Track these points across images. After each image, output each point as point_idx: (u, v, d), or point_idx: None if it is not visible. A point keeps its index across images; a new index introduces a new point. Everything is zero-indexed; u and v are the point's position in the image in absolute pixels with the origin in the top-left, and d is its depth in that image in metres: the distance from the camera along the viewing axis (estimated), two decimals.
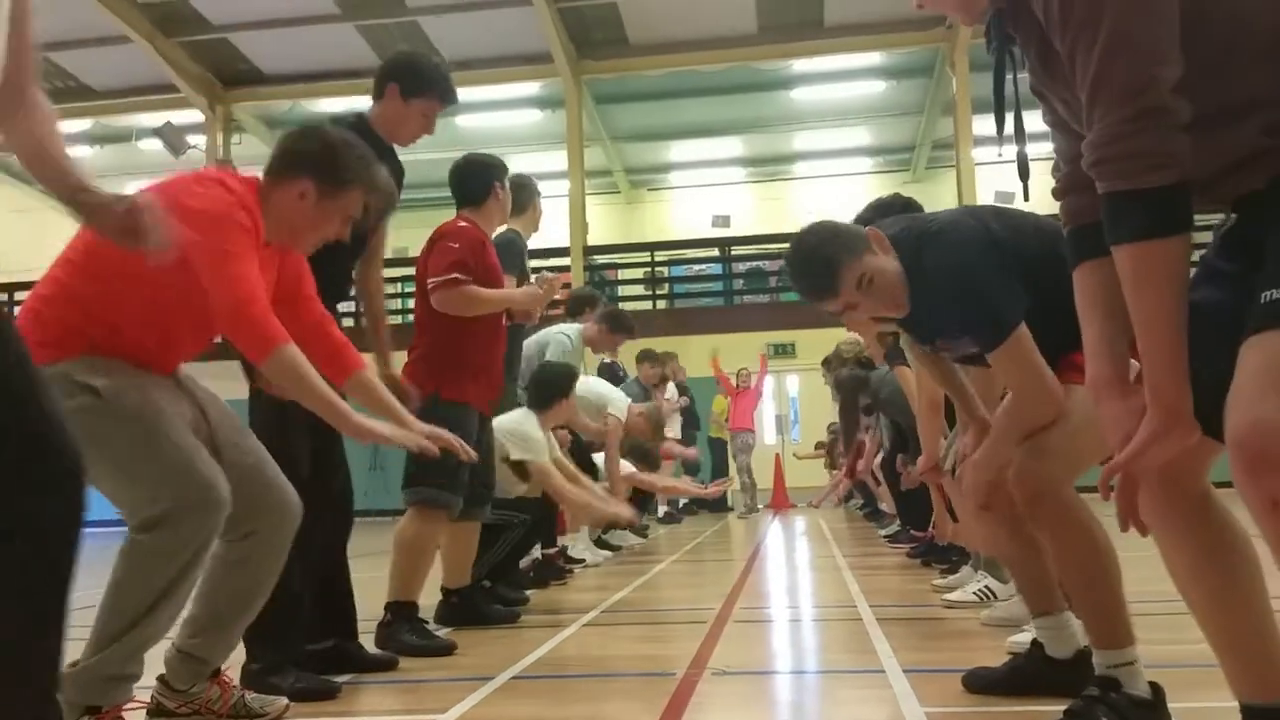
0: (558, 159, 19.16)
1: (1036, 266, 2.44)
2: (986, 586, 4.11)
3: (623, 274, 19.03)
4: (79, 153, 20.84)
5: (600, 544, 7.21)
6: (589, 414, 6.70)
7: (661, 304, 17.92)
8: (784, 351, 16.37)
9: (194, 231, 2.27)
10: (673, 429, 11.85)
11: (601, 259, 18.47)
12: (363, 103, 13.95)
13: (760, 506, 12.66)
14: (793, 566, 6.60)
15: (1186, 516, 1.62)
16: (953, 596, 4.24)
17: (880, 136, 21.49)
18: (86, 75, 18.14)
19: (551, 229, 19.79)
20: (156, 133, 17.64)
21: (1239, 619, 1.61)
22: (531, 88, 18.69)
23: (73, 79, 18.23)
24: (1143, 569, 2.39)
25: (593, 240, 17.80)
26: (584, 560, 6.61)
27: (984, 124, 18.71)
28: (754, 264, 18.92)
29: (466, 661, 3.48)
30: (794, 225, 14.66)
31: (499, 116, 19.78)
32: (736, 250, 18.25)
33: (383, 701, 2.98)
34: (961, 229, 2.53)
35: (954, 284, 2.44)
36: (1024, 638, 2.88)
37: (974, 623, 3.74)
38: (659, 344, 14.29)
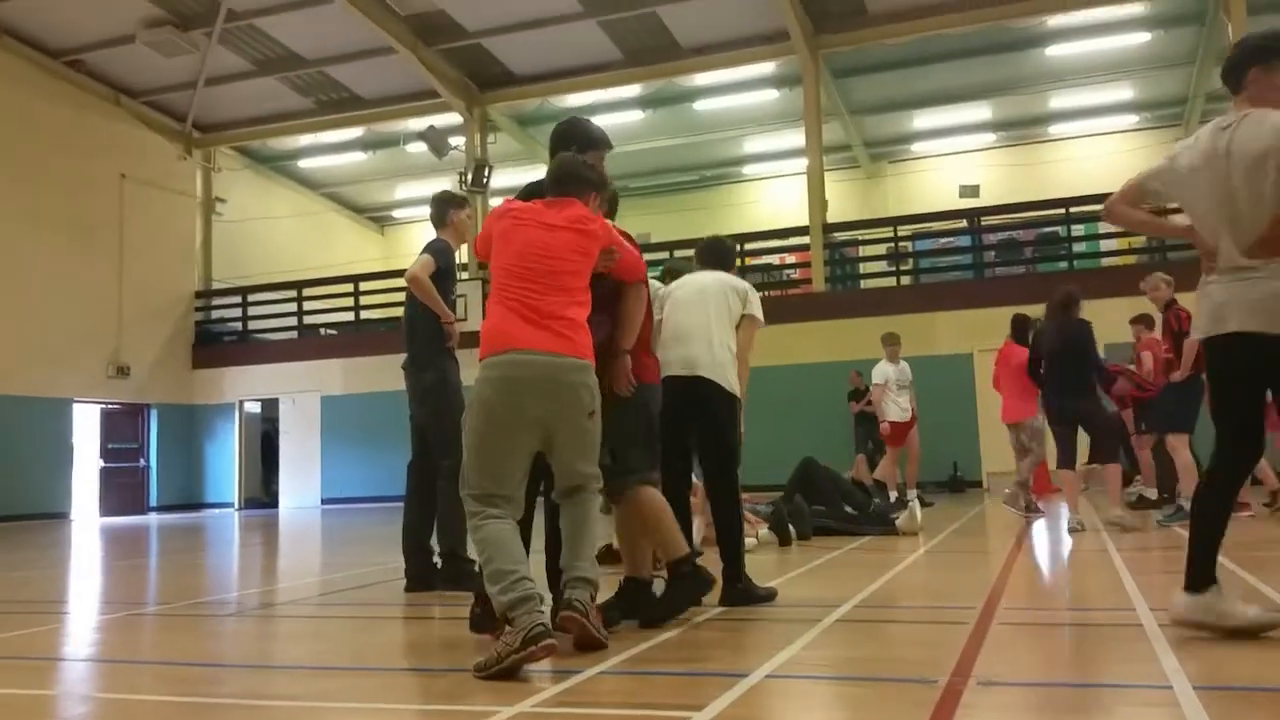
0: (795, 137, 18.95)
1: None
2: None
3: (864, 250, 18.57)
4: (353, 159, 22.64)
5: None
6: None
7: (906, 280, 17.34)
8: None
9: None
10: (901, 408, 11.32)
11: (842, 236, 18.08)
12: (604, 96, 14.65)
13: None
14: (1058, 561, 6.22)
15: None
16: None
17: (1146, 91, 19.85)
18: (357, 86, 19.65)
19: (790, 208, 19.73)
20: (421, 136, 18.83)
21: None
22: (768, 67, 18.54)
23: (346, 90, 19.80)
24: None
25: (832, 217, 17.45)
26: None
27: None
28: (1007, 234, 17.94)
29: (718, 655, 3.50)
30: (1050, 191, 14.09)
31: (736, 99, 19.81)
32: (987, 220, 17.34)
33: (621, 693, 3.02)
34: None
35: None
36: None
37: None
38: (904, 322, 13.92)
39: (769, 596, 4.54)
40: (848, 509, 8.40)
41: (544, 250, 3.62)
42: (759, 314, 4.94)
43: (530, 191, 4.09)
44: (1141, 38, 17.70)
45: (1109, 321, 12.77)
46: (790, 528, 7.37)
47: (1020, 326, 9.85)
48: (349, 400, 18.91)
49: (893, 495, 11.39)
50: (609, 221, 3.98)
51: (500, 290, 3.61)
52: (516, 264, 3.61)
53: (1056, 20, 17.06)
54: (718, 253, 5.24)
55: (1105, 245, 17.07)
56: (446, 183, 22.01)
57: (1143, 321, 9.78)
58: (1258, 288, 3.38)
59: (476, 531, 3.42)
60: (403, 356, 5.57)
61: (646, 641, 3.61)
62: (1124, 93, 20.01)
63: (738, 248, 17.48)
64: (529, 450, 3.54)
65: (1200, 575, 3.42)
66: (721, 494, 4.73)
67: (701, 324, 4.73)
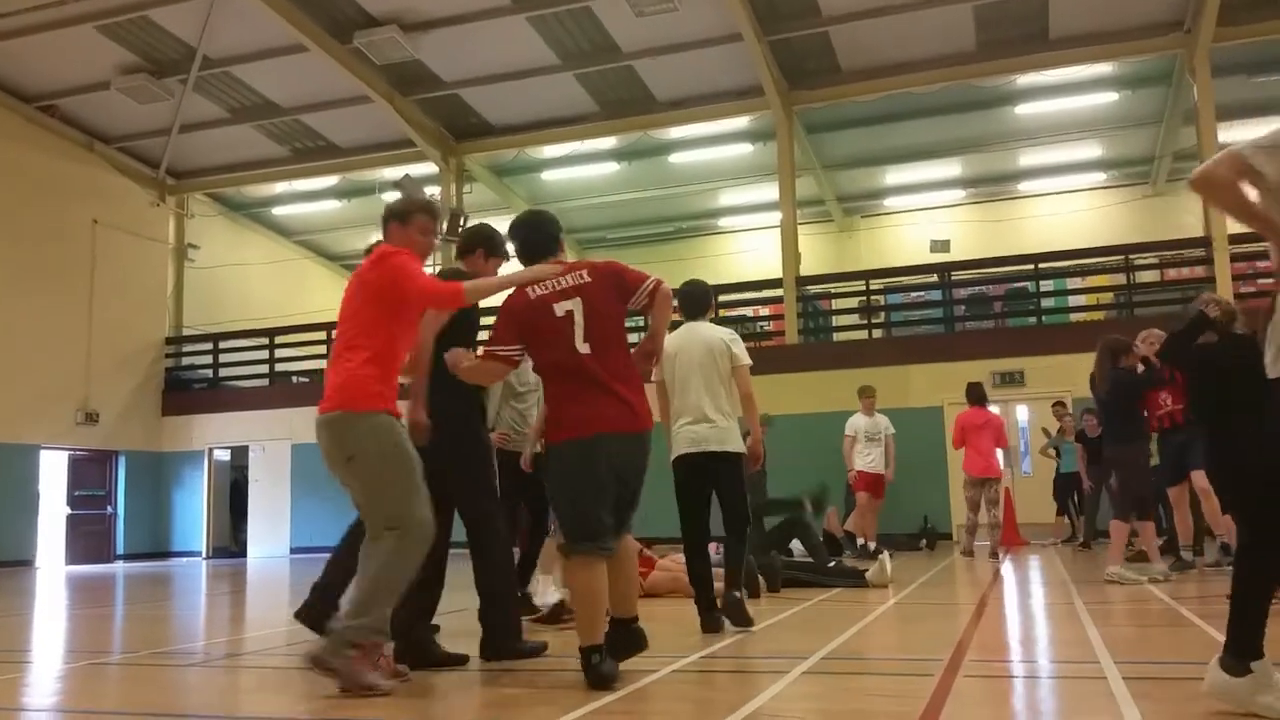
0: (769, 190, 19.21)
1: None
2: None
3: (837, 304, 18.75)
4: (327, 207, 22.66)
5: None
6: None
7: (878, 333, 17.50)
8: (1011, 380, 15.60)
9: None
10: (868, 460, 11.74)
11: (815, 289, 18.26)
12: (580, 147, 14.89)
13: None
14: (1025, 614, 6.25)
15: None
16: None
17: (1114, 149, 20.31)
18: (333, 134, 19.76)
19: (764, 260, 19.91)
20: (396, 185, 18.93)
21: None
22: (742, 122, 18.83)
23: (321, 138, 19.90)
24: None
25: (805, 270, 17.64)
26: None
27: (1230, 132, 17.43)
28: (977, 289, 18.19)
29: (683, 710, 3.49)
30: (1019, 247, 14.32)
31: (710, 152, 20.06)
32: (957, 275, 17.59)
33: None
34: None
35: None
36: None
37: None
38: (876, 374, 14.05)
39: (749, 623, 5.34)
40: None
41: (344, 301, 4.06)
42: (747, 359, 5.63)
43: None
44: (1109, 97, 18.14)
45: (1076, 376, 12.96)
46: (761, 580, 7.36)
47: (976, 392, 10.50)
48: (319, 449, 18.70)
49: (865, 544, 11.47)
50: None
51: None
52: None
53: (1026, 79, 17.46)
54: (697, 300, 5.78)
55: (1073, 301, 17.36)
56: None
57: None
58: None
59: None
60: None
61: (611, 694, 3.59)
62: (1092, 151, 20.46)
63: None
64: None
65: (1243, 647, 2.96)
66: (734, 544, 5.61)
67: (695, 401, 5.44)
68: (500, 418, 6.18)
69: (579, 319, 3.87)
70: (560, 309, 3.88)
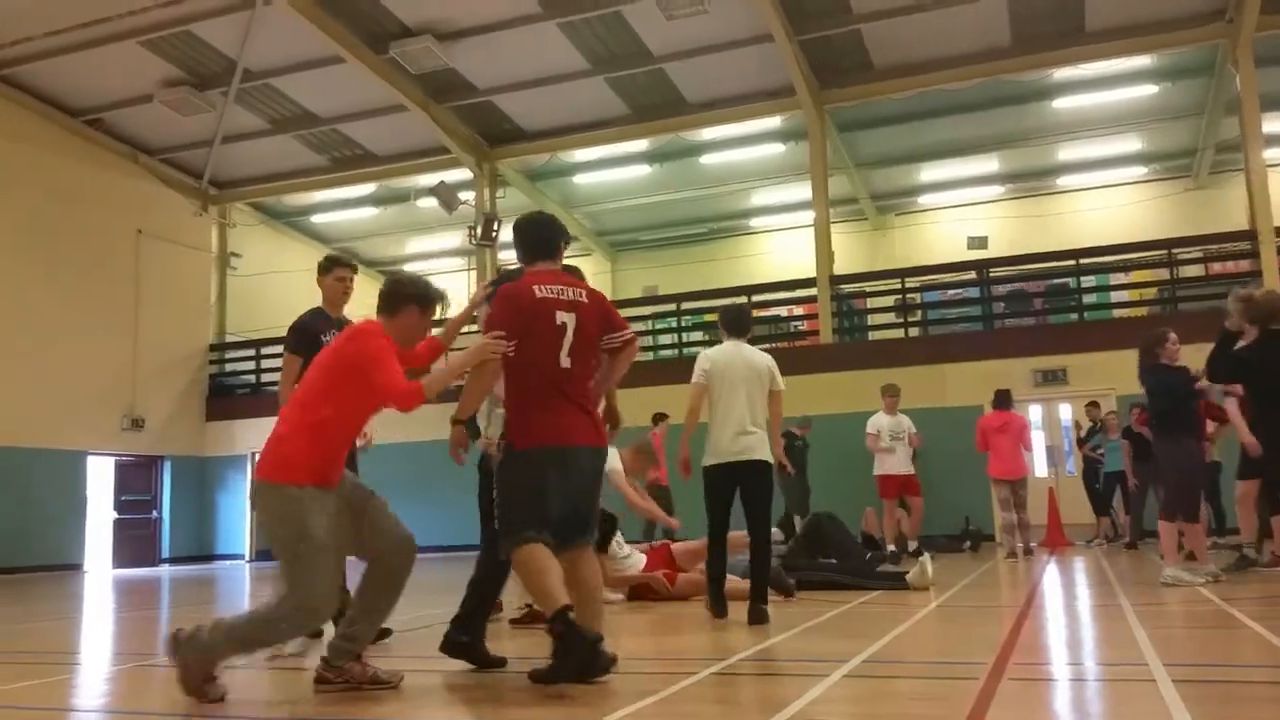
0: (802, 190, 19.12)
1: None
2: None
3: (872, 302, 18.61)
4: (365, 214, 22.88)
5: None
6: None
7: (915, 332, 17.35)
8: (1054, 378, 15.40)
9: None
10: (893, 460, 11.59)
11: (849, 288, 18.13)
12: (611, 150, 15.00)
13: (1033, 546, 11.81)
14: (1070, 615, 6.15)
15: None
16: None
17: (1155, 142, 20.00)
18: (370, 143, 19.95)
19: (797, 260, 19.82)
20: (431, 192, 19.08)
21: None
22: (774, 121, 18.77)
23: (359, 147, 20.10)
24: None
25: (839, 269, 17.53)
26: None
27: (1275, 123, 17.05)
28: (1016, 285, 17.96)
29: (717, 712, 3.48)
30: (1059, 243, 14.16)
31: (742, 153, 20.02)
32: (996, 272, 17.38)
33: None
34: None
35: None
36: None
37: None
38: (913, 374, 13.93)
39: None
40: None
41: (312, 366, 4.06)
42: (783, 385, 6.21)
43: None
44: (1149, 90, 17.86)
45: (1120, 373, 12.76)
46: (790, 582, 7.26)
47: (1002, 398, 11.14)
48: None
49: (890, 549, 11.29)
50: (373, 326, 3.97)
51: None
52: None
53: (1063, 73, 17.24)
54: (740, 321, 6.32)
55: (1116, 297, 17.09)
56: (456, 237, 22.25)
57: None
58: None
59: None
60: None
61: (645, 699, 3.58)
62: (1132, 144, 20.15)
63: (746, 300, 17.67)
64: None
65: None
66: (762, 541, 6.00)
67: (744, 414, 5.93)
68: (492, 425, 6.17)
69: (569, 334, 4.00)
70: (559, 318, 4.01)
